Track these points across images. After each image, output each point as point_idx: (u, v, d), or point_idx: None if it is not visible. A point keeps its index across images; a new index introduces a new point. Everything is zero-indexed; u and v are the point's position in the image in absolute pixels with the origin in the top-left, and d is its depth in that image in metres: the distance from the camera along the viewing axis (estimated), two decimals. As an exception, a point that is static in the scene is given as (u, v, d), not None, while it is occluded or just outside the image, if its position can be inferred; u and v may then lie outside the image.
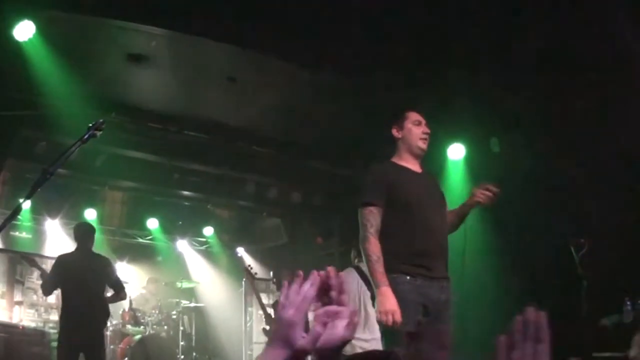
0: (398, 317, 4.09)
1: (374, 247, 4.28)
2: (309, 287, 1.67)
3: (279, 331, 1.65)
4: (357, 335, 6.09)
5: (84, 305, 7.10)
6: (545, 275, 7.68)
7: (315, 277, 1.69)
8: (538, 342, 1.36)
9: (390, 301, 4.12)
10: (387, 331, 4.20)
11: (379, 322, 4.21)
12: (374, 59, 7.12)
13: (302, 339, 1.62)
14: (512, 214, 8.01)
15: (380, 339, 4.42)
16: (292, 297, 1.66)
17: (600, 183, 7.27)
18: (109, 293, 7.78)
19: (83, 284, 7.19)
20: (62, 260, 7.41)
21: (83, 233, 7.55)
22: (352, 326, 1.68)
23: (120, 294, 7.76)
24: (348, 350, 6.20)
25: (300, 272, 1.73)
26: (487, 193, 4.53)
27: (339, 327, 1.67)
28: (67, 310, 7.23)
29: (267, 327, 9.11)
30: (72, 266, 7.28)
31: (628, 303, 6.80)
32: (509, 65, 6.94)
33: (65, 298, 7.29)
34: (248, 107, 8.32)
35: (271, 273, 10.87)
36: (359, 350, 5.63)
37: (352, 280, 6.43)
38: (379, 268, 4.21)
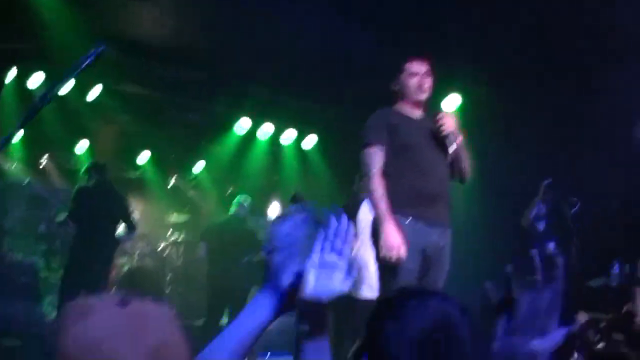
0: (403, 252, 4.11)
1: (378, 184, 4.33)
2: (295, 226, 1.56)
3: (268, 275, 1.56)
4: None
5: (96, 236, 7.52)
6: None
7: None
8: None
9: (394, 236, 4.14)
10: (386, 269, 4.21)
11: (380, 259, 4.21)
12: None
13: (289, 284, 1.52)
14: (506, 166, 8.01)
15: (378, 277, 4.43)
16: (281, 238, 1.55)
17: (597, 141, 7.26)
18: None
19: (100, 214, 7.56)
20: (82, 190, 7.71)
21: (100, 168, 7.90)
22: (349, 280, 1.54)
23: (131, 231, 8.20)
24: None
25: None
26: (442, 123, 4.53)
27: (335, 280, 1.52)
28: (80, 239, 7.54)
29: None
30: (91, 196, 7.62)
31: (616, 266, 6.85)
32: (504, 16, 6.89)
33: (79, 227, 7.58)
34: (245, 47, 8.20)
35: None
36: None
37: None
38: (383, 205, 4.25)
